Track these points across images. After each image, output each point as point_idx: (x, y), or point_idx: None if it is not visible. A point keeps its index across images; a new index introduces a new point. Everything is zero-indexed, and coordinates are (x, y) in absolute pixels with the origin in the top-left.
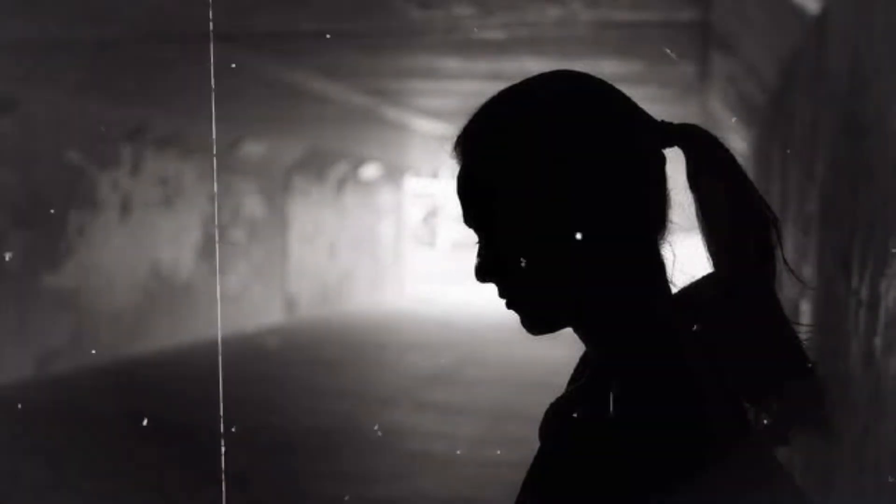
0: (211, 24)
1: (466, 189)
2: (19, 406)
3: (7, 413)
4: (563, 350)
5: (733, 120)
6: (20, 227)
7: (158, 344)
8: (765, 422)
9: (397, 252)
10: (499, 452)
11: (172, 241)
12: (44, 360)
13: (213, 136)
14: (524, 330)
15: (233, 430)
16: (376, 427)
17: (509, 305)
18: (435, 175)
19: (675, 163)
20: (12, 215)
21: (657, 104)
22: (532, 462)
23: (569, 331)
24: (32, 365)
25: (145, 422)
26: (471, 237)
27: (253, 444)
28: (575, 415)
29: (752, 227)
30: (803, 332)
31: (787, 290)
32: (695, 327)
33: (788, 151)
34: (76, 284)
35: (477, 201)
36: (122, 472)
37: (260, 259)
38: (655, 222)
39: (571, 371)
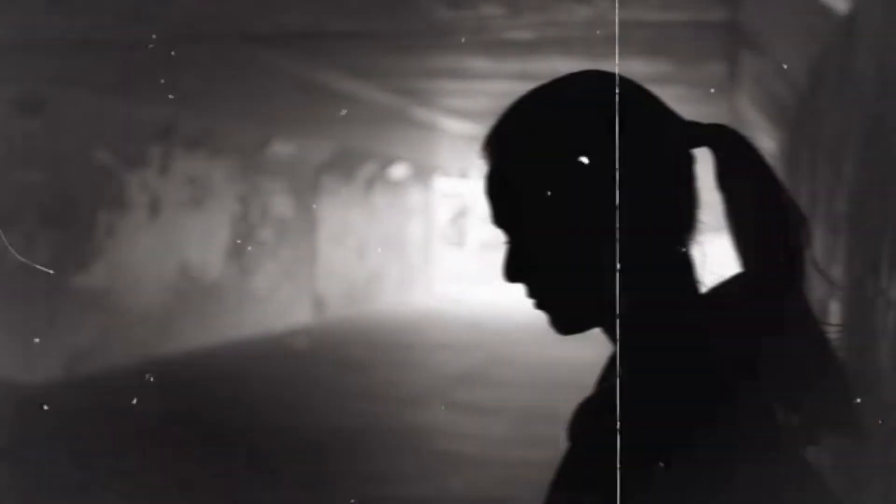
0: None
1: (495, 189)
2: (45, 407)
3: (36, 413)
4: (591, 350)
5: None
6: (49, 227)
7: (187, 344)
8: (794, 421)
9: (426, 252)
10: (527, 452)
11: (201, 241)
12: (73, 360)
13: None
14: (552, 330)
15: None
16: None
17: (538, 306)
18: (464, 175)
19: (706, 162)
20: (41, 215)
21: (686, 104)
22: (561, 462)
23: (597, 330)
24: (61, 365)
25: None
26: (499, 237)
27: (281, 444)
28: (606, 415)
29: (781, 227)
30: (832, 332)
31: (815, 290)
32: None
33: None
34: (105, 284)
35: (506, 201)
36: (150, 472)
37: (288, 259)
38: (684, 222)
39: (599, 371)
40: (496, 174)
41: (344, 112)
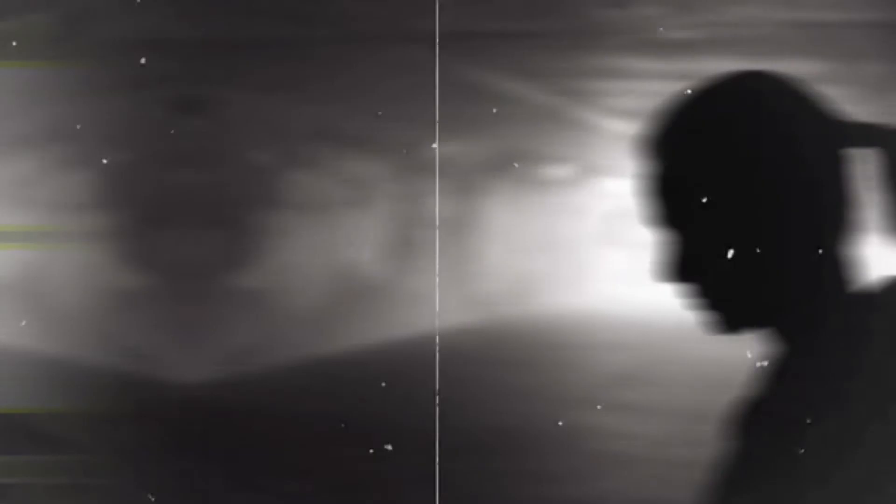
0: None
1: (659, 189)
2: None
3: (195, 413)
4: (748, 349)
5: None
6: (208, 227)
7: (347, 344)
8: None
9: (586, 252)
10: (686, 452)
11: (360, 241)
12: (231, 360)
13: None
14: (714, 330)
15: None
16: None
17: (702, 305)
18: (624, 175)
19: (869, 163)
20: (201, 215)
21: (850, 104)
22: (722, 461)
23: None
24: (220, 365)
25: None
26: (658, 237)
27: (441, 444)
28: (767, 413)
29: None
30: None
31: None
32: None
33: None
34: (263, 285)
35: (669, 202)
36: (312, 473)
37: (449, 259)
38: (846, 222)
39: (758, 370)
40: (659, 174)
41: (495, 111)
